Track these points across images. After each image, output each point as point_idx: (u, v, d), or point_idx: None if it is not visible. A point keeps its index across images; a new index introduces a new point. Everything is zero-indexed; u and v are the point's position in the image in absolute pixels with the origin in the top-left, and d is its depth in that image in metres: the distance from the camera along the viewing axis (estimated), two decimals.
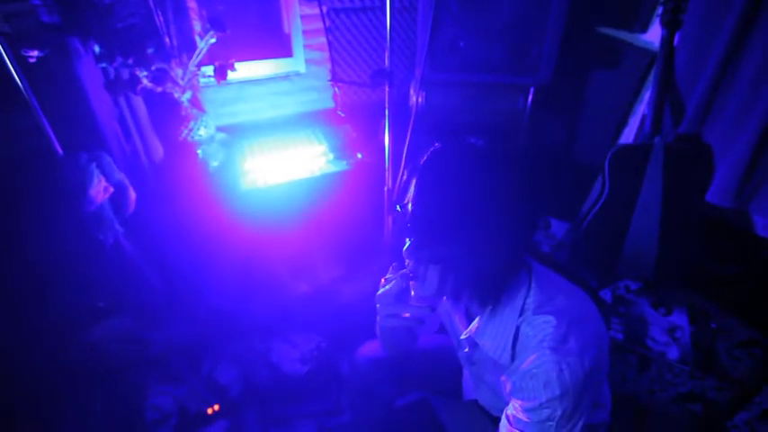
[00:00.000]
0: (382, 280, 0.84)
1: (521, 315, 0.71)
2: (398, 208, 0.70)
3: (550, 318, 0.67)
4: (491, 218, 0.64)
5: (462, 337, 0.82)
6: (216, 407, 1.48)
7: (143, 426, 1.45)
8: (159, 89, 1.32)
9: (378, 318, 0.88)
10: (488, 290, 0.72)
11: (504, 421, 0.74)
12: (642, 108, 1.65)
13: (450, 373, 1.08)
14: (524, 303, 0.71)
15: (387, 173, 1.30)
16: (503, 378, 0.76)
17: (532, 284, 0.72)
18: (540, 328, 0.68)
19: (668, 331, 1.39)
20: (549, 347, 0.65)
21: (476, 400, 1.00)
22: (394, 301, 0.83)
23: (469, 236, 0.64)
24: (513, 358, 0.73)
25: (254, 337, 1.71)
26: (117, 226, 1.21)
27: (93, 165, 1.10)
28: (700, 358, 1.30)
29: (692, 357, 1.29)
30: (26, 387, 1.25)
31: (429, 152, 0.67)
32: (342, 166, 1.55)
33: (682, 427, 1.16)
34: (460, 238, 0.65)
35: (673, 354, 1.32)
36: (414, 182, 0.67)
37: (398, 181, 1.27)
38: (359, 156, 1.58)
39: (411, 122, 1.25)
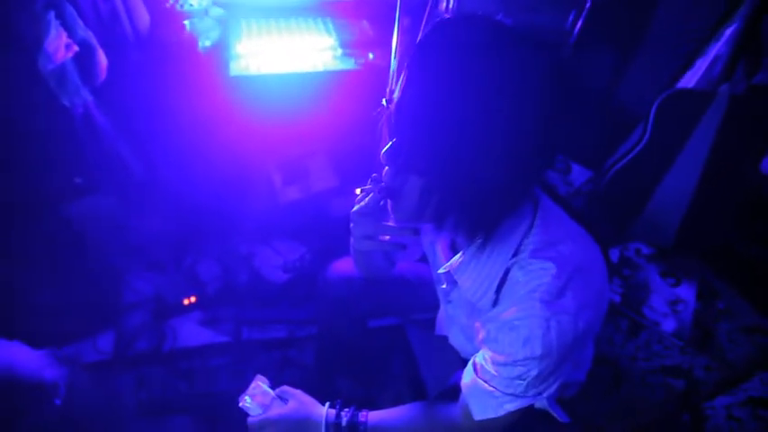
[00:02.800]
0: (357, 191, 0.71)
1: (514, 256, 0.59)
2: (384, 102, 0.55)
3: (550, 265, 0.56)
4: (498, 123, 0.48)
5: (440, 271, 0.72)
6: (193, 298, 1.49)
7: (120, 306, 1.47)
8: None
9: (351, 238, 0.77)
10: (480, 219, 0.57)
11: (469, 367, 0.67)
12: (716, 48, 1.37)
13: (427, 305, 1.00)
14: (521, 242, 0.59)
15: (391, 76, 1.10)
16: (477, 324, 0.67)
17: (537, 222, 0.59)
18: (534, 274, 0.56)
19: (670, 303, 1.29)
20: (541, 300, 0.55)
21: (447, 338, 0.94)
22: (372, 221, 0.71)
23: (466, 142, 0.49)
24: (494, 304, 0.63)
25: (238, 239, 1.67)
26: (85, 93, 1.08)
27: (52, 13, 0.92)
28: (697, 335, 1.22)
29: (690, 334, 1.21)
30: None
31: (433, 24, 0.50)
32: (350, 64, 1.35)
33: (657, 398, 1.11)
34: (454, 143, 0.49)
35: (668, 326, 1.24)
36: (406, 64, 0.51)
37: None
38: (370, 56, 1.37)
39: (423, 22, 1.03)
